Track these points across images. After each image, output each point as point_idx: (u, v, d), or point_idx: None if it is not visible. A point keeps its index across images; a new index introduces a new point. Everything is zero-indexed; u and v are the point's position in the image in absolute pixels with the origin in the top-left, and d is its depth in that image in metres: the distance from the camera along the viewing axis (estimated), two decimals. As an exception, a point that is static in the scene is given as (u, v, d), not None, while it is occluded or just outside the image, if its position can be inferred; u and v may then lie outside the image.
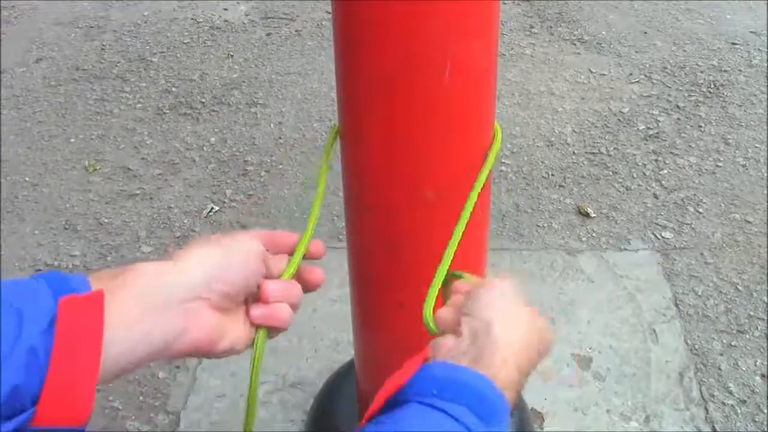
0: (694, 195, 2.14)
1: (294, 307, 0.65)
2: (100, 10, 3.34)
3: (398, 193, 0.88)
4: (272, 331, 0.64)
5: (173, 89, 2.73)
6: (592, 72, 2.75)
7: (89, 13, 3.32)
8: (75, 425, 0.48)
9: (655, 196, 2.14)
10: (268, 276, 0.64)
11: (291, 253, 0.68)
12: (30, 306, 0.47)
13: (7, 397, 0.45)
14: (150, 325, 0.53)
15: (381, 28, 0.77)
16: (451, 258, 0.73)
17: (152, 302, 0.54)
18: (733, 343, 1.68)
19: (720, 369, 1.62)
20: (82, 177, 2.30)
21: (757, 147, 2.33)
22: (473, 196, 0.83)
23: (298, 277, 0.67)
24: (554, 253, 1.94)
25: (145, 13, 3.29)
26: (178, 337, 0.55)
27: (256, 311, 0.62)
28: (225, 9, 3.31)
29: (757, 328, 1.72)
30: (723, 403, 1.54)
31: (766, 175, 2.21)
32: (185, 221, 2.10)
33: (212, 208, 2.15)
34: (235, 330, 0.61)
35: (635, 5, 3.24)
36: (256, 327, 0.63)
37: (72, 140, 2.48)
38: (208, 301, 0.57)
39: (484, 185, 0.85)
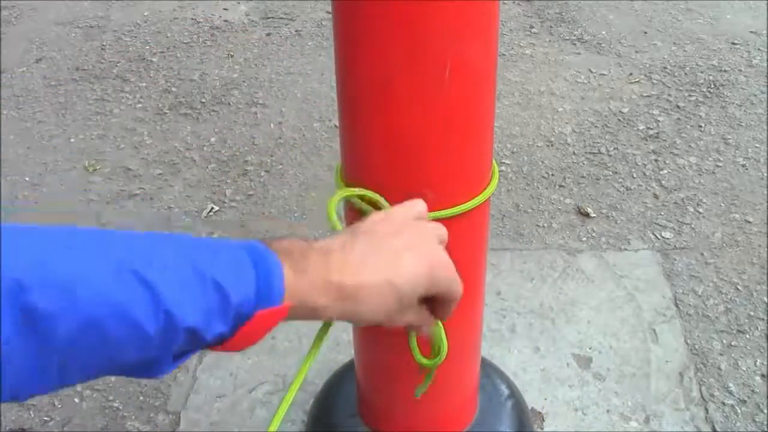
0: (694, 195, 2.14)
1: None
2: (100, 10, 3.34)
3: (398, 193, 0.88)
4: None
5: (173, 89, 2.73)
6: (592, 72, 2.75)
7: (89, 13, 3.32)
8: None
9: (655, 196, 2.14)
10: None
11: None
12: (235, 300, 0.53)
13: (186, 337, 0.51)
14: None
15: (381, 28, 0.77)
16: None
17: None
18: (733, 343, 1.68)
19: (720, 369, 1.62)
20: (82, 177, 2.30)
21: (757, 147, 2.33)
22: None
23: None
24: (554, 253, 1.94)
25: (145, 13, 3.29)
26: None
27: None
28: (225, 9, 3.31)
29: (757, 328, 1.72)
30: (723, 403, 1.54)
31: (766, 175, 2.21)
32: (185, 221, 2.10)
33: (212, 208, 2.15)
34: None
35: (635, 5, 3.24)
36: None
37: (72, 140, 2.48)
38: None
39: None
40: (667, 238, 1.99)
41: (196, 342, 0.52)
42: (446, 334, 0.94)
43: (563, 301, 1.79)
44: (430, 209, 0.88)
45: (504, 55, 2.85)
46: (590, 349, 1.67)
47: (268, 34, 3.09)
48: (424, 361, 0.95)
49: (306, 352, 0.72)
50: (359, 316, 0.62)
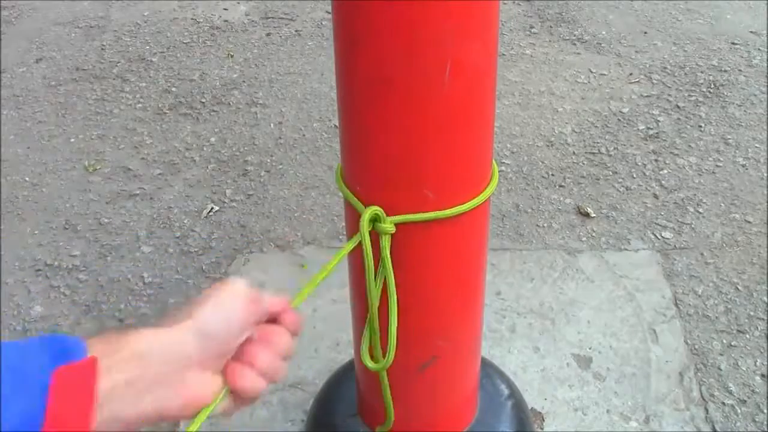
0: (694, 195, 2.14)
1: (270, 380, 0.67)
2: (100, 10, 3.34)
3: (398, 194, 0.88)
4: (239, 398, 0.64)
5: (173, 89, 2.73)
6: (592, 72, 2.75)
7: (89, 13, 3.32)
8: None
9: (655, 196, 2.14)
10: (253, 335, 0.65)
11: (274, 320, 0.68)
12: (30, 372, 0.50)
13: None
14: (141, 390, 0.55)
15: (381, 28, 0.77)
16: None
17: (145, 370, 0.55)
18: (733, 343, 1.68)
19: (720, 369, 1.62)
20: (82, 177, 2.30)
21: (757, 147, 2.33)
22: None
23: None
24: (554, 253, 1.94)
25: (145, 13, 3.29)
26: (168, 403, 0.57)
27: (245, 379, 0.63)
28: (225, 9, 3.31)
29: (757, 328, 1.72)
30: (723, 403, 1.54)
31: (766, 175, 2.21)
32: (185, 221, 2.10)
33: (212, 208, 2.15)
34: (212, 385, 0.61)
35: (635, 5, 3.24)
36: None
37: (72, 140, 2.48)
38: (197, 365, 0.59)
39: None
40: (667, 238, 1.99)
41: None
42: (443, 334, 0.94)
43: (563, 301, 1.79)
44: (431, 209, 0.88)
45: (504, 55, 2.85)
46: (590, 349, 1.67)
47: (268, 34, 3.09)
48: (370, 364, 0.95)
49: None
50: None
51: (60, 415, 0.49)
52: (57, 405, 0.50)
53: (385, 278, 0.90)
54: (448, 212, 0.88)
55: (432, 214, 0.88)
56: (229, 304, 0.62)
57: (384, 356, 0.93)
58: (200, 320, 0.60)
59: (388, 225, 0.86)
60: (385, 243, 0.87)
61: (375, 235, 0.88)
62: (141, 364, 0.55)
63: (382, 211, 0.87)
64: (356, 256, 0.94)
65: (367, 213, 0.85)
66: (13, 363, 0.50)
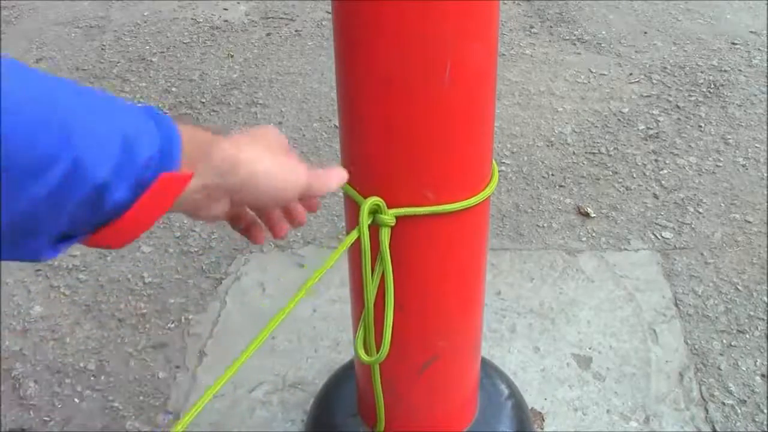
0: (694, 195, 2.14)
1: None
2: (100, 10, 3.34)
3: (398, 194, 0.88)
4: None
5: (173, 89, 2.73)
6: (592, 72, 2.75)
7: (89, 13, 3.32)
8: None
9: (655, 196, 2.14)
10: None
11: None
12: (140, 163, 0.50)
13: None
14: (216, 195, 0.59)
15: (381, 28, 0.77)
16: None
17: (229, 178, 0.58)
18: (733, 343, 1.68)
19: (720, 369, 1.62)
20: (82, 177, 2.30)
21: (757, 147, 2.33)
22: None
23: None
24: (554, 253, 1.94)
25: (145, 13, 3.30)
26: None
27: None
28: (225, 9, 3.31)
29: (757, 328, 1.72)
30: (723, 403, 1.54)
31: (766, 175, 2.21)
32: (185, 221, 2.10)
33: (212, 208, 2.15)
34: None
35: (635, 5, 3.24)
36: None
37: (72, 140, 2.47)
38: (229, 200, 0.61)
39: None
40: (667, 238, 1.99)
41: (94, 208, 0.48)
42: (443, 334, 0.94)
43: (563, 301, 1.79)
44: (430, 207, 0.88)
45: (504, 55, 2.85)
46: (590, 349, 1.67)
47: (268, 34, 3.09)
48: (365, 357, 0.95)
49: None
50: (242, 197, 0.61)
51: (137, 215, 0.51)
52: (142, 207, 0.50)
53: (383, 272, 0.89)
54: (448, 207, 0.89)
55: (432, 209, 0.88)
56: (290, 172, 0.65)
57: (378, 349, 0.92)
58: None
59: (389, 217, 0.86)
60: (385, 235, 0.87)
61: (374, 231, 0.88)
62: (227, 173, 0.58)
63: (383, 201, 0.86)
64: (356, 251, 0.95)
65: (367, 203, 0.85)
66: (131, 132, 0.49)
